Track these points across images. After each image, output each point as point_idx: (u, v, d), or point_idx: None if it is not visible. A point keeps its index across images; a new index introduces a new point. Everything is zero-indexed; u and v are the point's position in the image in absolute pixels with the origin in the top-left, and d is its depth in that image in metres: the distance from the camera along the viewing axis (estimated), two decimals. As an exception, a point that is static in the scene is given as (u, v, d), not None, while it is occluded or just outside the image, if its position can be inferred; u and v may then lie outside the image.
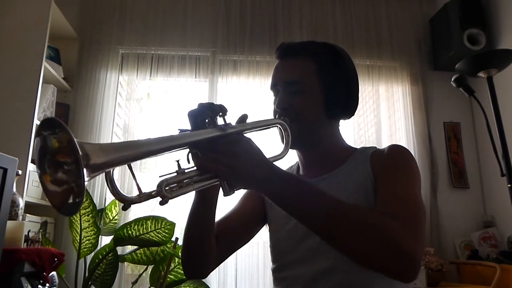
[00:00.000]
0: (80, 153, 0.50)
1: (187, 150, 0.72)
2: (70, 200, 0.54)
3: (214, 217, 0.88)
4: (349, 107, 0.97)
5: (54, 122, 0.54)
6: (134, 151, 0.61)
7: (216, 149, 0.70)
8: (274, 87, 0.98)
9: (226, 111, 0.77)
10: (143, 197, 0.64)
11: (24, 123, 2.11)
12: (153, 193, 0.65)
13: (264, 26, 2.84)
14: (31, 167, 2.07)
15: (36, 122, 2.16)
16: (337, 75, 0.94)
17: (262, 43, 2.78)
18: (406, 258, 0.66)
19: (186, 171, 0.69)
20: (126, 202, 0.63)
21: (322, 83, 0.93)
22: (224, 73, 2.80)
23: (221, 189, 0.73)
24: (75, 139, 0.51)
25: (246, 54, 2.79)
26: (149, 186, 0.66)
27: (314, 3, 2.93)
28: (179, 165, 0.68)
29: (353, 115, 1.00)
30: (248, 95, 2.75)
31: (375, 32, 2.90)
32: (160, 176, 0.65)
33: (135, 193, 0.65)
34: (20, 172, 1.57)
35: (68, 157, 0.54)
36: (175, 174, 0.67)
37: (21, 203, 1.77)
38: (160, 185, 0.63)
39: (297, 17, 2.88)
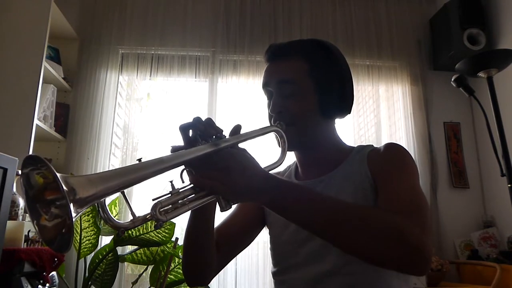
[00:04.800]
0: (66, 188, 0.48)
1: (181, 168, 0.70)
2: (60, 236, 0.53)
3: (213, 229, 0.86)
4: (344, 105, 0.95)
5: (36, 159, 0.51)
6: (124, 179, 0.58)
7: (210, 165, 0.69)
8: (265, 86, 0.96)
9: (222, 131, 0.75)
10: (137, 221, 0.62)
11: (24, 123, 2.11)
12: (147, 217, 0.63)
13: (264, 26, 2.84)
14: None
15: (36, 122, 2.16)
16: (329, 73, 0.92)
17: (262, 43, 2.77)
18: (414, 250, 0.65)
19: (180, 190, 0.67)
20: (120, 230, 0.61)
21: (315, 82, 0.91)
22: (224, 73, 2.80)
23: (217, 204, 0.71)
24: (58, 175, 0.49)
25: (246, 54, 2.79)
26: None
27: (314, 3, 2.93)
28: (172, 186, 0.66)
29: (349, 112, 0.98)
30: (248, 95, 2.75)
31: (375, 32, 2.90)
32: (153, 199, 0.63)
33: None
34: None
35: (54, 194, 0.53)
36: (169, 195, 0.65)
37: (21, 203, 1.77)
38: (154, 208, 0.61)
39: (297, 17, 2.88)
